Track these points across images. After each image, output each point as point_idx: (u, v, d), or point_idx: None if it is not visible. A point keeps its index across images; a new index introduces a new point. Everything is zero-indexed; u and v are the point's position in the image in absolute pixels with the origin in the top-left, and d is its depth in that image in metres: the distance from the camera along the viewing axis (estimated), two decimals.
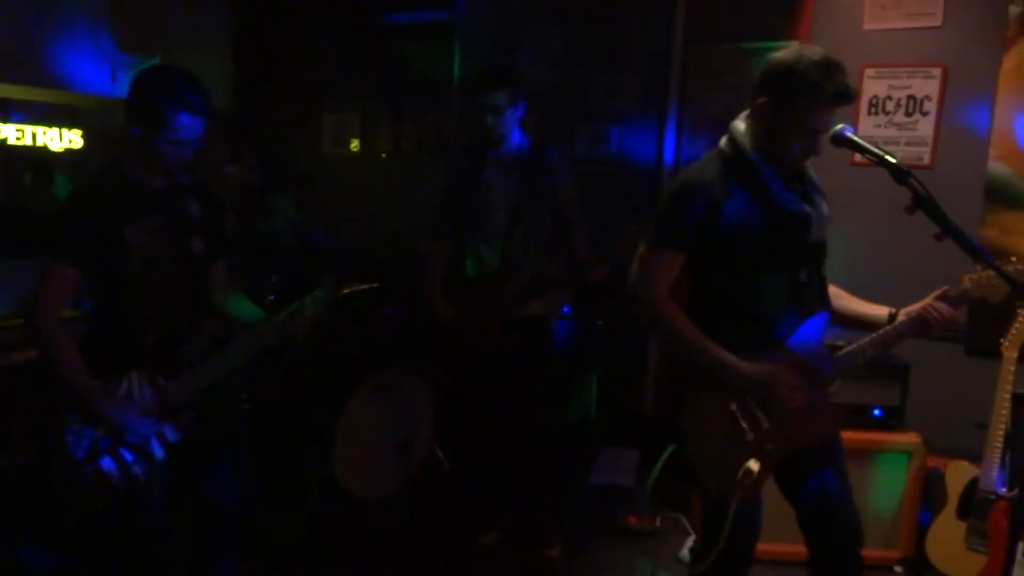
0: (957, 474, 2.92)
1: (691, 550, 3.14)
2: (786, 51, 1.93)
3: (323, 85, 4.90)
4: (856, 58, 3.51)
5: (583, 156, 4.12)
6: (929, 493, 3.05)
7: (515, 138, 3.04)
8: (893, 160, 1.77)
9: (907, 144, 3.39)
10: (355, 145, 5.01)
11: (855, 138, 1.87)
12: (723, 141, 2.05)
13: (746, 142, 1.97)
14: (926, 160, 3.36)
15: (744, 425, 1.98)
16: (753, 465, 1.93)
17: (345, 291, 2.39)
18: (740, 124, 2.02)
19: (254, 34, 4.85)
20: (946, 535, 2.90)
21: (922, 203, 1.75)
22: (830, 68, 1.84)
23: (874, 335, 2.06)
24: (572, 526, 3.38)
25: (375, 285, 2.50)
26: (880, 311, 2.12)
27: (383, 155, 4.92)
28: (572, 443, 3.82)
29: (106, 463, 2.11)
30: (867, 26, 3.50)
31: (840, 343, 2.11)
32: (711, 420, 2.00)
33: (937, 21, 3.36)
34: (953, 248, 1.83)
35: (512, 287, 3.01)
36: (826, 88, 1.83)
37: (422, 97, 4.69)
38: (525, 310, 3.04)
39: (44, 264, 2.07)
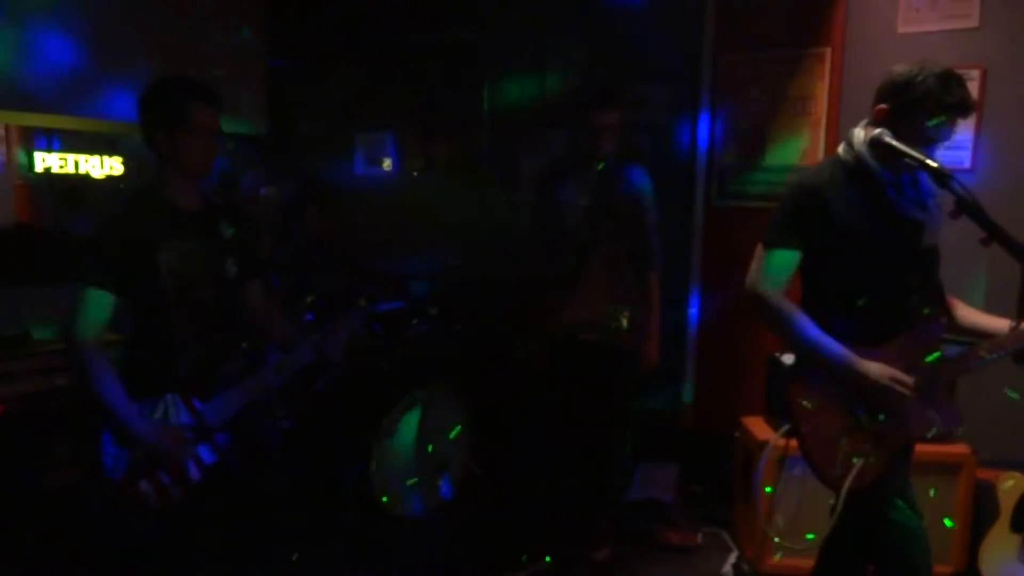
0: (1010, 486, 2.83)
1: (734, 566, 3.08)
2: (909, 64, 1.99)
3: (356, 105, 4.96)
4: (891, 63, 3.40)
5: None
6: (979, 506, 2.95)
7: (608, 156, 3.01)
8: (934, 164, 1.73)
9: (947, 148, 3.29)
10: (387, 164, 5.06)
11: (895, 143, 1.83)
12: (841, 147, 2.09)
13: (864, 149, 1.99)
14: (967, 164, 3.28)
15: (860, 419, 2.00)
16: (870, 457, 1.98)
17: (375, 310, 2.40)
18: (859, 131, 2.05)
19: (287, 57, 4.92)
20: (999, 548, 2.81)
21: (966, 207, 1.70)
22: (950, 80, 1.90)
23: (994, 339, 2.09)
24: (613, 543, 3.33)
25: (402, 304, 2.51)
26: (1001, 323, 2.14)
27: (415, 173, 4.96)
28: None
29: (144, 485, 2.14)
30: (901, 30, 3.44)
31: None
32: (826, 417, 2.02)
33: (974, 22, 3.29)
34: (996, 255, 1.79)
35: (576, 313, 3.00)
36: (944, 98, 1.88)
37: (452, 116, 4.71)
38: (586, 337, 3.03)
39: (80, 289, 2.11)
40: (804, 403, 2.02)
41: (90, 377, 2.07)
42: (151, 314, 2.16)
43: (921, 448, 2.93)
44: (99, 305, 2.09)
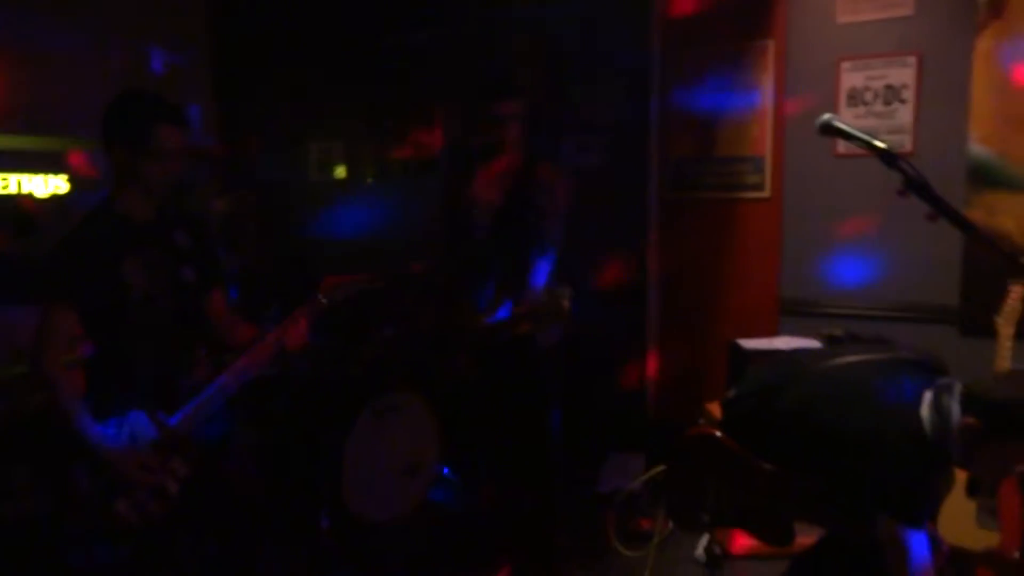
0: None
1: (705, 549, 3.13)
2: None
3: (306, 115, 4.92)
4: (831, 52, 3.57)
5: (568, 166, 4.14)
6: None
7: (515, 148, 3.02)
8: (882, 144, 1.79)
9: (888, 133, 3.42)
10: (340, 172, 5.03)
11: (842, 125, 1.89)
12: (927, 413, 1.94)
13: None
14: (907, 147, 3.40)
15: None
16: None
17: (335, 289, 2.38)
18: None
19: (234, 69, 4.87)
20: (957, 514, 2.91)
21: (913, 185, 1.77)
22: None
23: None
24: (585, 534, 3.37)
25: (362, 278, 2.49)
26: None
27: (369, 179, 4.94)
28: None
29: (121, 505, 2.10)
30: (840, 20, 3.55)
31: None
32: None
33: (909, 10, 3.41)
34: (940, 234, 1.85)
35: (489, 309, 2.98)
36: None
37: (406, 120, 4.70)
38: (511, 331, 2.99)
39: (43, 309, 2.06)
40: None
41: (58, 399, 2.03)
42: (114, 330, 2.13)
43: None
44: (64, 323, 2.04)
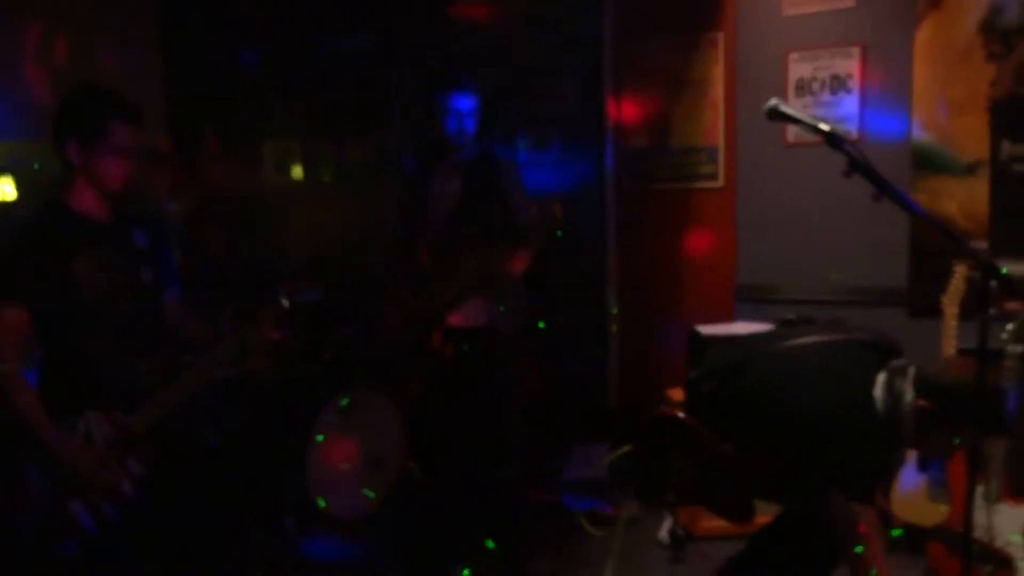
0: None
1: (669, 532, 3.19)
2: None
3: (261, 114, 4.87)
4: (779, 44, 3.65)
5: (524, 161, 4.17)
6: None
7: (470, 141, 3.05)
8: (826, 128, 1.84)
9: (834, 121, 3.52)
10: (297, 171, 4.99)
11: (788, 110, 1.94)
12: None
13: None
14: (853, 135, 3.50)
15: None
16: None
17: (294, 290, 2.38)
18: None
19: (186, 70, 4.80)
20: (908, 490, 3.00)
21: (857, 166, 1.82)
22: None
23: None
24: (552, 523, 3.40)
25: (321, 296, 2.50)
26: None
27: (326, 179, 4.91)
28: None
29: (75, 505, 2.07)
30: (786, 12, 3.63)
31: None
32: None
33: (851, 3, 3.51)
34: (888, 217, 1.89)
35: (449, 294, 2.99)
36: None
37: (363, 118, 4.68)
38: (473, 322, 3.02)
39: None
40: None
41: (12, 400, 2.00)
42: (68, 328, 2.09)
43: None
44: (13, 323, 2.01)
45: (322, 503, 3.33)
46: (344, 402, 3.44)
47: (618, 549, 3.10)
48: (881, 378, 2.00)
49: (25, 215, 2.16)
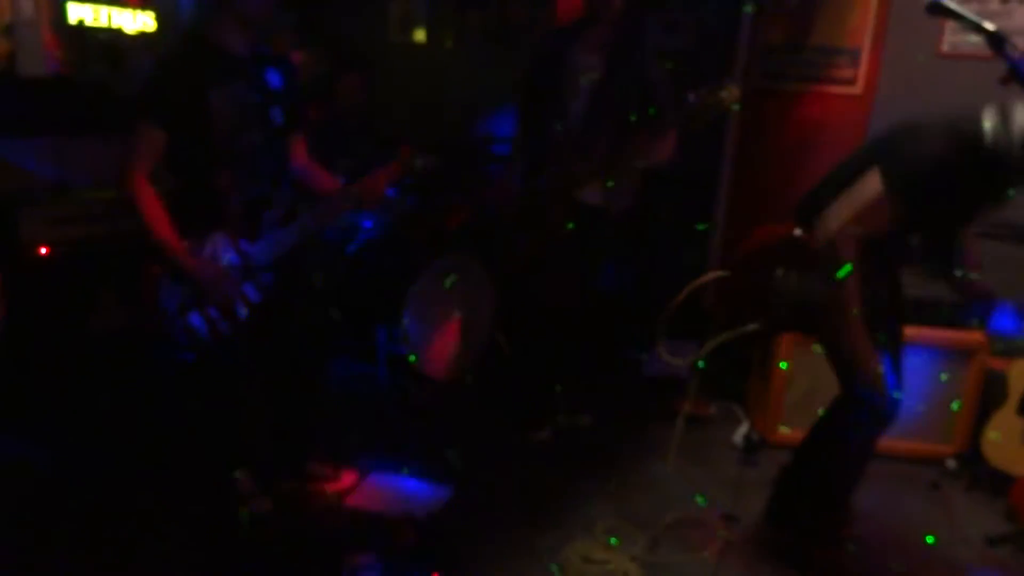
0: (1021, 372, 2.91)
1: (744, 437, 3.22)
2: None
3: None
4: None
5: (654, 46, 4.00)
6: (988, 391, 3.04)
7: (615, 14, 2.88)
8: (990, 27, 1.70)
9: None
10: (420, 34, 4.97)
11: (950, 4, 1.79)
12: (990, 123, 2.04)
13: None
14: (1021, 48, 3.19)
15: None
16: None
17: (412, 157, 2.43)
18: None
19: None
20: (1004, 431, 2.91)
21: (1018, 75, 1.69)
22: None
23: None
24: (627, 412, 3.48)
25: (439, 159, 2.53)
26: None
27: (447, 44, 4.87)
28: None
29: (194, 319, 2.25)
30: None
31: None
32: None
33: None
34: None
35: (582, 169, 2.95)
36: None
37: None
38: (588, 199, 2.99)
39: (135, 127, 2.16)
40: None
41: (144, 212, 2.15)
42: (201, 155, 2.21)
43: (937, 334, 3.03)
44: (153, 142, 2.14)
45: (413, 358, 3.50)
46: (449, 281, 3.54)
47: (682, 441, 3.09)
48: (991, 109, 2.04)
49: (169, 46, 2.24)
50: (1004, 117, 1.99)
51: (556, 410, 3.30)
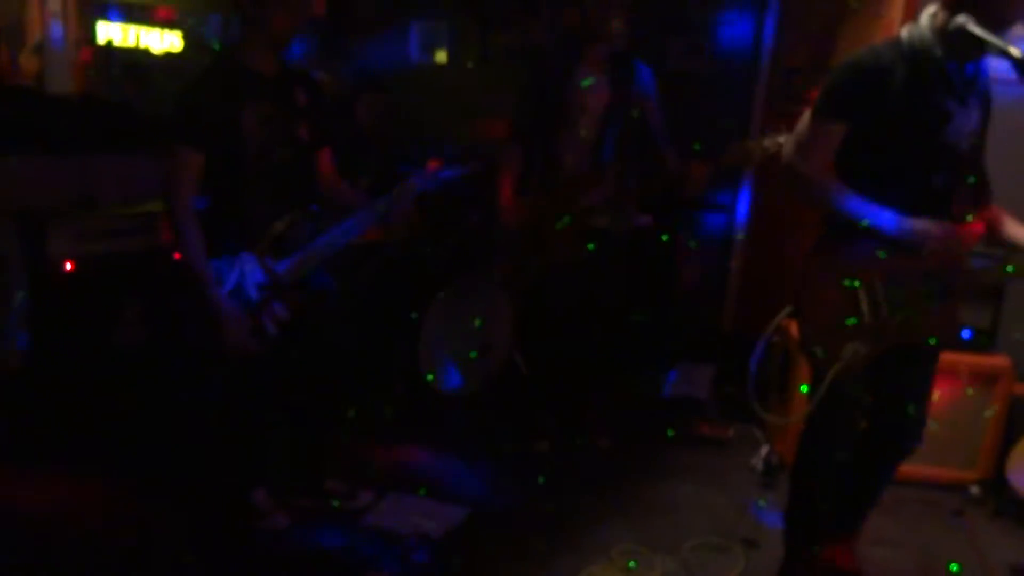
0: None
1: (764, 459, 3.18)
2: None
3: None
4: None
5: (675, 69, 4.02)
6: (1013, 417, 3.00)
7: (621, 36, 2.98)
8: (1017, 53, 1.69)
9: None
10: (442, 55, 5.01)
11: (976, 30, 1.78)
12: (905, 30, 2.02)
13: (930, 34, 1.95)
14: None
15: (864, 308, 2.02)
16: (861, 348, 2.01)
17: (437, 171, 2.45)
18: (929, 15, 1.99)
19: None
20: None
21: None
22: None
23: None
24: (645, 434, 3.45)
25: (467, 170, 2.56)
26: None
27: (470, 64, 4.91)
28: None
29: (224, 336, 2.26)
30: None
31: None
32: (834, 297, 2.04)
33: None
34: None
35: (596, 194, 2.98)
36: None
37: (511, 5, 4.62)
38: (597, 222, 3.02)
39: (172, 151, 2.18)
40: (813, 286, 2.06)
41: (186, 244, 2.17)
42: (229, 175, 2.24)
43: (961, 358, 2.99)
44: (194, 167, 2.17)
45: (430, 377, 3.50)
46: (478, 323, 3.57)
47: (701, 464, 3.08)
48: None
49: (201, 67, 2.27)
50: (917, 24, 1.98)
51: (558, 424, 3.33)
